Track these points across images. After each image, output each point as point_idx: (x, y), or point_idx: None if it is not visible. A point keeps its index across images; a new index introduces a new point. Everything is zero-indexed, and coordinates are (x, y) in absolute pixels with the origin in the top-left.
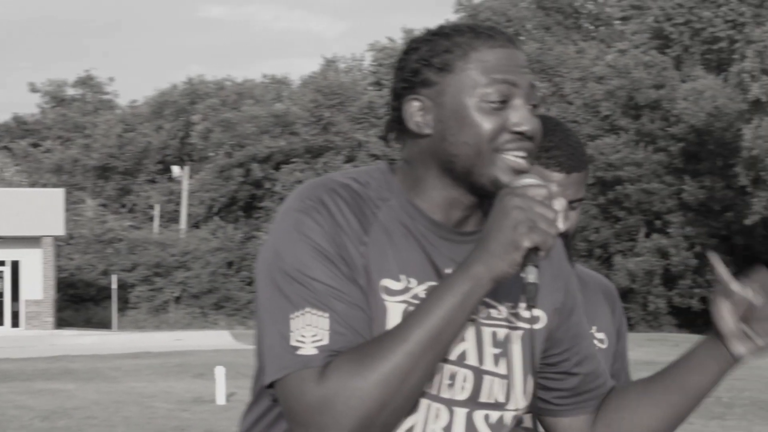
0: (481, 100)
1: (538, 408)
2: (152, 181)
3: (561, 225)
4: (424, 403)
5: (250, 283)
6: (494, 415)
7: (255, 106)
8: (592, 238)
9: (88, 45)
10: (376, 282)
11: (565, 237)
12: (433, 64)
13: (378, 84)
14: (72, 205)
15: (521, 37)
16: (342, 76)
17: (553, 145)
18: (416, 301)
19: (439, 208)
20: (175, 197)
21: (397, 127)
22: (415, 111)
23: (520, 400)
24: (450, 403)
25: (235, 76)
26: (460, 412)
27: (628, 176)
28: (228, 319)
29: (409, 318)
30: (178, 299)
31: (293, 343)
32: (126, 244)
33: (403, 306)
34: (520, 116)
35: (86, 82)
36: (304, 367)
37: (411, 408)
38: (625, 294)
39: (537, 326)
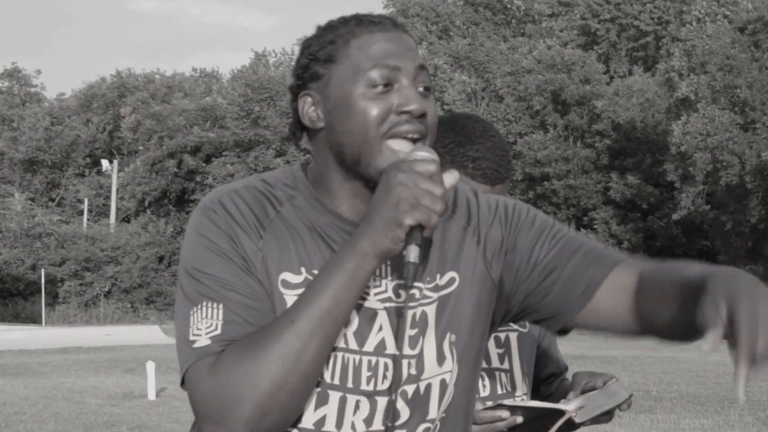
0: (364, 85)
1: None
2: (81, 175)
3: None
4: (336, 395)
5: None
6: (410, 388)
7: (185, 100)
8: None
9: (14, 37)
10: (275, 276)
11: None
12: (319, 57)
13: None
14: None
15: (450, 33)
16: (272, 70)
17: (480, 156)
18: None
19: (343, 201)
20: (105, 191)
21: (299, 125)
22: (307, 106)
23: (434, 368)
24: (373, 394)
25: (165, 69)
26: (382, 401)
27: (555, 172)
28: (158, 314)
29: (298, 299)
30: (108, 294)
31: (191, 337)
32: (55, 238)
33: None
34: (405, 96)
35: (13, 74)
36: (198, 358)
37: (312, 392)
38: None
39: (448, 290)
